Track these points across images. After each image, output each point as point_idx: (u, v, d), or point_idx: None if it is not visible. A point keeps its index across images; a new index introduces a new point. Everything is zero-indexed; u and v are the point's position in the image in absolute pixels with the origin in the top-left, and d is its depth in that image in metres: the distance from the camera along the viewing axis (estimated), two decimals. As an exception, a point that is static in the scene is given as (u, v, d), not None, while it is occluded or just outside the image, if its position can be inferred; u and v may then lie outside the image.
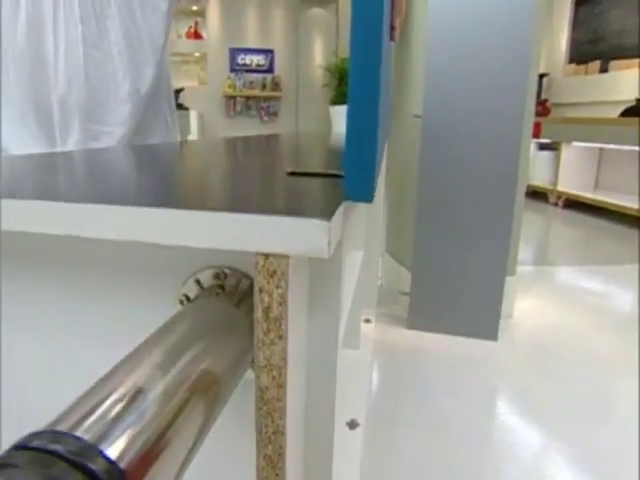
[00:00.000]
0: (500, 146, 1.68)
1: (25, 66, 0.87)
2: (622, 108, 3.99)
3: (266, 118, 6.46)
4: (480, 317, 1.82)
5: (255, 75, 6.27)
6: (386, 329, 1.92)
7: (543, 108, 4.95)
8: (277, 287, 0.21)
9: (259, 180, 0.38)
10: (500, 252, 1.76)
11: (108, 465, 0.15)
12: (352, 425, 1.30)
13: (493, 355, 1.73)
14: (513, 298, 2.01)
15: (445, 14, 1.64)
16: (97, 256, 0.29)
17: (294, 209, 0.23)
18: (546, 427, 1.31)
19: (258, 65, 6.26)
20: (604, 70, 4.49)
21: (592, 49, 4.68)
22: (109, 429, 0.16)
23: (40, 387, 0.38)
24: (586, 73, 4.72)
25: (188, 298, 0.28)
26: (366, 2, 0.25)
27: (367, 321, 1.98)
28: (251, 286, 0.27)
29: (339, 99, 2.47)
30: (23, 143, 0.94)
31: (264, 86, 6.32)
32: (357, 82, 0.21)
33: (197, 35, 6.11)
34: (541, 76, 4.91)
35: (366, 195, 0.24)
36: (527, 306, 2.12)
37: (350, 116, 0.22)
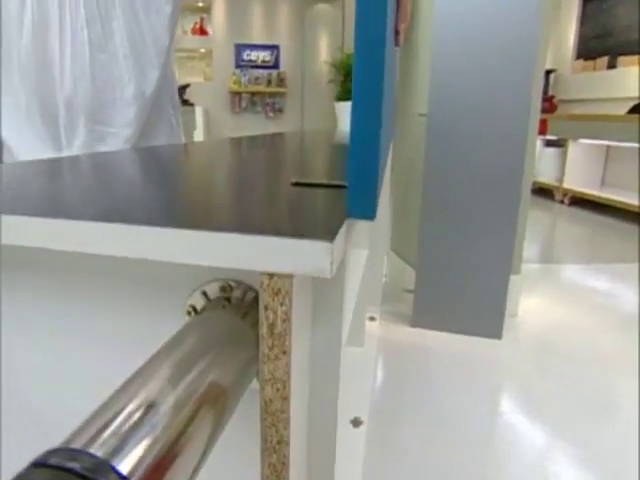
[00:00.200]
0: (506, 143, 1.68)
1: (31, 68, 0.88)
2: (630, 105, 3.96)
3: (271, 114, 6.46)
4: (484, 315, 1.82)
5: (260, 71, 6.27)
6: (390, 327, 1.93)
7: (550, 105, 4.91)
8: (281, 305, 0.22)
9: (264, 192, 0.39)
10: (505, 250, 1.76)
11: (120, 480, 0.16)
12: (356, 423, 1.31)
13: (497, 354, 1.74)
14: (518, 296, 2.01)
15: (451, 10, 1.64)
16: (106, 266, 0.30)
17: (298, 228, 0.24)
18: (550, 426, 1.31)
19: (263, 61, 6.25)
20: (612, 66, 4.44)
21: (600, 45, 4.64)
22: (122, 444, 0.17)
23: (47, 395, 0.39)
24: (594, 69, 4.68)
25: (195, 309, 0.29)
26: (369, 20, 0.25)
27: (371, 319, 1.99)
28: (256, 298, 0.28)
29: (344, 95, 2.46)
30: (29, 143, 0.95)
31: (269, 82, 6.32)
32: (359, 115, 0.21)
33: (202, 31, 6.11)
34: (548, 72, 4.87)
35: (368, 213, 0.24)
36: (532, 304, 2.12)
37: (353, 142, 0.22)
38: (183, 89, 5.53)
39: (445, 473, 1.16)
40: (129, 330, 0.33)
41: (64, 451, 0.15)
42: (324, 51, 6.24)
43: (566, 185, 4.40)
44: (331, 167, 0.70)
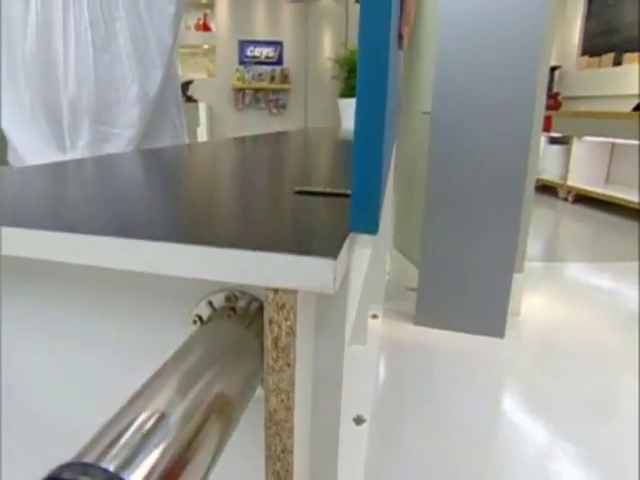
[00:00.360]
0: (509, 140, 1.67)
1: (35, 69, 0.89)
2: (635, 102, 3.94)
3: (275, 111, 6.45)
4: (487, 314, 1.82)
5: (264, 67, 6.26)
6: (393, 325, 1.93)
7: (554, 101, 4.89)
8: (286, 319, 0.23)
9: (268, 201, 0.39)
10: (508, 248, 1.76)
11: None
12: (358, 421, 1.32)
13: (500, 352, 1.74)
14: (520, 295, 2.01)
15: (455, 7, 1.63)
16: (114, 275, 0.30)
17: (302, 245, 0.24)
18: (552, 425, 1.32)
19: (267, 57, 6.24)
20: (618, 63, 4.41)
21: (606, 41, 4.60)
22: (133, 456, 0.18)
23: (53, 403, 0.39)
24: (599, 66, 4.65)
25: (201, 318, 0.30)
26: (372, 27, 0.26)
27: (374, 316, 1.99)
28: (260, 308, 0.29)
29: (348, 92, 2.46)
30: (34, 144, 0.96)
31: (273, 78, 6.31)
32: (362, 139, 0.22)
33: (206, 27, 6.10)
34: (552, 69, 4.85)
35: (371, 228, 0.25)
36: (535, 303, 2.12)
37: (356, 163, 0.23)
38: (186, 85, 5.53)
39: (447, 471, 1.16)
40: (136, 338, 0.34)
41: (76, 465, 0.16)
42: (328, 47, 6.22)
43: (570, 182, 4.39)
44: (335, 171, 0.71)
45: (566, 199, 4.48)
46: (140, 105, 0.96)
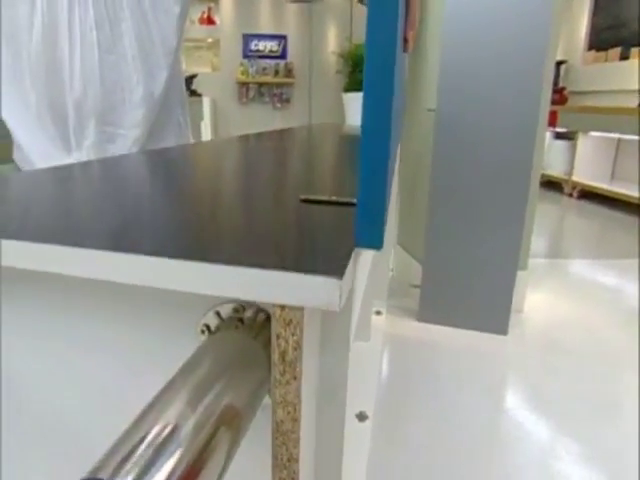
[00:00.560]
0: (515, 136, 1.66)
1: (41, 70, 0.89)
2: (642, 97, 3.90)
3: (279, 105, 6.43)
4: (490, 311, 1.83)
5: (268, 61, 6.23)
6: (397, 321, 1.94)
7: (560, 96, 4.85)
8: (293, 334, 0.24)
9: (273, 212, 0.39)
10: (512, 245, 1.76)
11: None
12: (361, 418, 1.33)
13: (503, 349, 1.75)
14: (524, 292, 2.01)
15: (461, 2, 1.62)
16: (125, 285, 0.31)
17: (308, 262, 0.25)
18: (555, 422, 1.33)
19: (271, 51, 6.22)
20: (625, 57, 4.37)
21: (613, 36, 4.56)
22: (146, 470, 0.18)
23: (59, 412, 0.40)
24: (606, 60, 4.61)
25: (209, 328, 0.31)
26: (379, 35, 0.26)
27: (378, 313, 2.00)
28: (267, 319, 0.29)
29: (352, 86, 2.45)
30: (40, 143, 0.97)
31: (277, 72, 6.29)
32: (367, 164, 0.22)
33: (210, 21, 6.08)
34: (559, 63, 4.81)
35: (376, 244, 0.25)
36: (538, 300, 2.12)
37: (362, 184, 0.23)
38: (190, 79, 5.52)
39: (450, 469, 1.17)
40: (144, 345, 0.34)
41: (93, 481, 0.17)
42: (332, 41, 6.19)
43: (575, 178, 4.37)
44: (340, 173, 0.71)
45: (571, 195, 4.46)
46: (145, 105, 0.97)
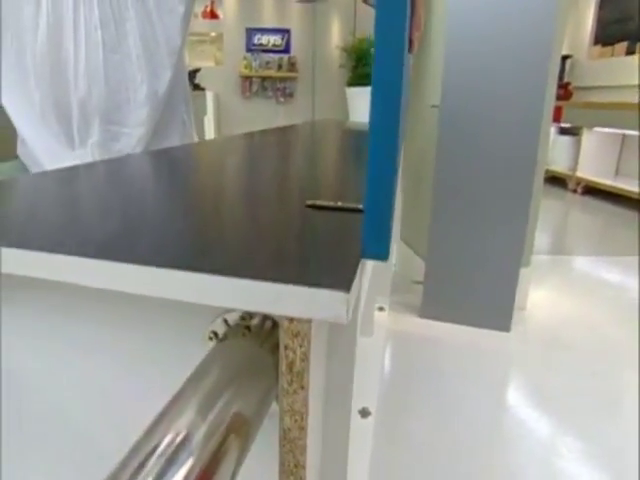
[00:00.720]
0: (519, 131, 1.65)
1: (46, 69, 0.89)
2: (648, 92, 3.88)
3: (282, 99, 6.42)
4: (493, 308, 1.83)
5: (271, 55, 6.22)
6: (399, 317, 1.95)
7: (565, 92, 4.82)
8: (300, 346, 0.24)
9: (280, 220, 0.40)
10: (516, 242, 1.76)
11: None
12: (364, 414, 1.34)
13: (505, 346, 1.75)
14: (527, 289, 2.01)
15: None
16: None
17: (316, 275, 0.25)
18: (557, 420, 1.33)
19: (274, 45, 6.20)
20: (631, 52, 4.33)
21: (619, 30, 4.51)
22: (158, 479, 0.19)
23: (69, 417, 0.40)
24: (612, 55, 4.57)
25: (216, 334, 0.31)
26: (387, 43, 0.26)
27: (380, 309, 2.01)
28: (273, 327, 0.30)
29: (356, 80, 2.45)
30: (44, 140, 0.97)
31: (280, 67, 6.27)
32: (373, 179, 0.23)
33: (213, 15, 6.05)
34: (564, 58, 4.77)
35: (382, 256, 0.26)
36: (541, 297, 2.12)
37: (368, 199, 0.24)
38: (194, 73, 5.51)
39: (453, 465, 1.18)
40: (153, 351, 0.35)
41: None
42: (336, 35, 6.16)
43: (579, 174, 4.35)
44: (345, 175, 0.71)
45: (575, 191, 4.45)
46: (149, 104, 0.97)
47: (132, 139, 0.99)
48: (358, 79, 2.43)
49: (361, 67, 2.48)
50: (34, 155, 1.00)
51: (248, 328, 0.30)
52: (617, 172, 4.40)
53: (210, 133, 5.74)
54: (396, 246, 2.41)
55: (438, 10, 2.00)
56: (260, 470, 0.28)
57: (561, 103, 4.50)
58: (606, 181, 4.11)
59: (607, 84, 4.60)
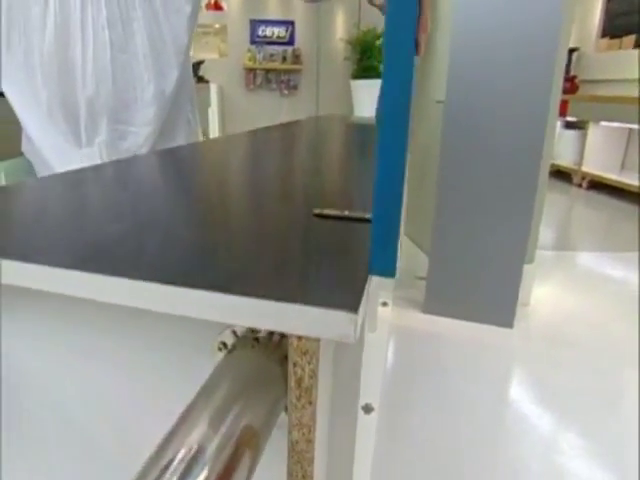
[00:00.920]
0: (525, 125, 1.64)
1: (53, 69, 0.90)
2: (656, 86, 3.83)
3: (286, 91, 6.39)
4: (496, 304, 1.83)
5: (275, 47, 6.18)
6: (402, 313, 1.95)
7: (571, 85, 4.78)
8: (309, 363, 0.25)
9: (287, 231, 0.39)
10: (520, 238, 1.75)
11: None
12: (367, 409, 1.35)
13: (508, 342, 1.75)
14: (530, 285, 2.01)
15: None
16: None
17: (324, 294, 0.26)
18: (559, 416, 1.34)
19: (278, 37, 6.15)
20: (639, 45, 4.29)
21: (628, 22, 4.45)
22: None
23: (77, 427, 0.41)
24: (620, 48, 4.52)
25: (225, 345, 0.32)
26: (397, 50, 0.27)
27: (384, 304, 2.02)
28: (281, 338, 0.30)
29: (360, 73, 2.43)
30: (51, 138, 0.98)
31: (284, 59, 6.23)
32: (380, 202, 0.23)
33: (217, 6, 6.02)
34: (571, 51, 4.72)
35: (389, 273, 0.26)
36: (545, 293, 2.12)
37: (375, 220, 0.24)
38: (198, 65, 5.48)
39: (455, 460, 1.19)
40: (162, 362, 0.35)
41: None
42: (340, 28, 6.11)
43: (585, 168, 4.33)
44: (351, 177, 0.71)
45: (580, 185, 4.43)
46: (156, 103, 0.98)
47: (139, 138, 0.99)
48: (363, 72, 2.42)
49: (366, 60, 2.46)
50: (41, 153, 1.00)
51: (257, 339, 0.30)
52: (623, 167, 4.37)
53: (214, 125, 5.73)
54: (400, 241, 2.41)
55: (444, 5, 1.98)
56: (269, 476, 0.28)
57: (567, 97, 4.46)
58: (611, 176, 4.08)
59: (614, 77, 4.55)
